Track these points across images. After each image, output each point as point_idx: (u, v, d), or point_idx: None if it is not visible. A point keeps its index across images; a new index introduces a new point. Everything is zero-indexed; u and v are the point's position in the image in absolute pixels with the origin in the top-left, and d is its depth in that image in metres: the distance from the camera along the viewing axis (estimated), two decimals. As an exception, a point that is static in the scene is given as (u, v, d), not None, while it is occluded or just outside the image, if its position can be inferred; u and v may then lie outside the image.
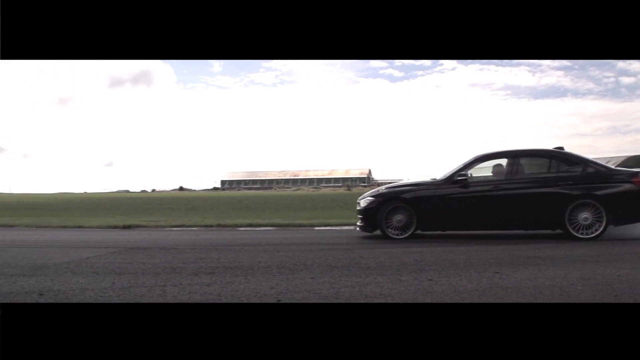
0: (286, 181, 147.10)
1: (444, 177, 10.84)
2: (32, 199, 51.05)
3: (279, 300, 5.09)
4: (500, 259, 7.46)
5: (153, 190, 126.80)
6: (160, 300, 5.22)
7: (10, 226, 15.43)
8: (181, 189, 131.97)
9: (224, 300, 5.15)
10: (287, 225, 14.54)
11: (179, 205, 33.52)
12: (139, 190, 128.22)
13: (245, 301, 5.11)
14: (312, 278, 6.23)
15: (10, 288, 5.92)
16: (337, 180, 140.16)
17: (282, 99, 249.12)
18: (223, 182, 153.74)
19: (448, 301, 4.91)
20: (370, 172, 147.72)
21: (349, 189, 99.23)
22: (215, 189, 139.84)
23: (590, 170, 10.35)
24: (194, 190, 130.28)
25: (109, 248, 9.42)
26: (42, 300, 5.31)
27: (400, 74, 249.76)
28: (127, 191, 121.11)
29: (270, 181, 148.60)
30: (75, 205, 36.02)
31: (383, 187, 11.64)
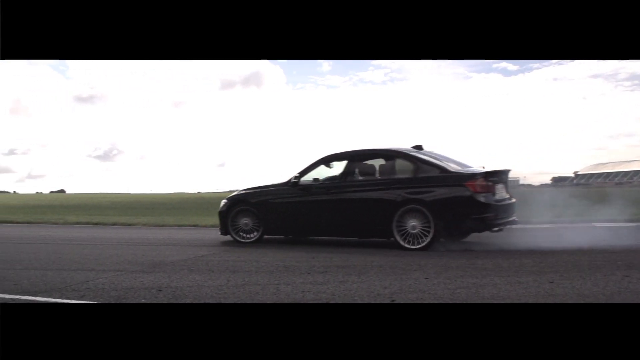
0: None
1: (286, 181, 10.37)
2: (149, 198, 53.46)
3: (393, 301, 5.08)
4: (630, 262, 7.07)
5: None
6: (274, 298, 5.32)
7: (130, 225, 16.20)
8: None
9: (337, 300, 5.19)
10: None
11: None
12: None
13: (359, 301, 5.13)
14: (426, 278, 6.18)
15: (131, 284, 6.23)
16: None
17: (392, 96, 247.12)
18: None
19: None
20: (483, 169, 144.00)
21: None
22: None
23: (426, 172, 9.17)
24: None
25: (223, 246, 9.71)
26: (160, 296, 5.56)
27: (515, 67, 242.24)
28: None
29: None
30: (189, 204, 37.35)
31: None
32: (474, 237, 9.52)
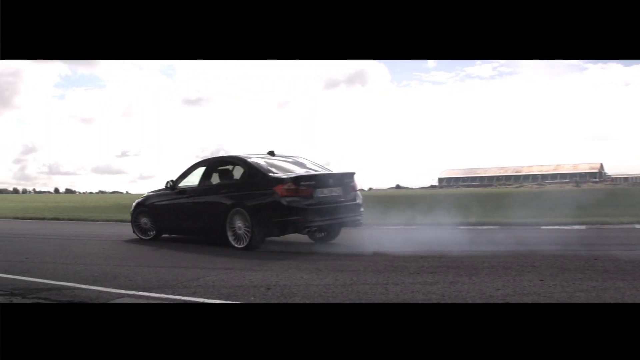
0: (507, 178, 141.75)
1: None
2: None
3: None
4: None
5: (370, 189, 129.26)
6: (383, 299, 5.32)
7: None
8: (398, 187, 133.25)
9: (447, 301, 5.13)
10: (510, 224, 13.99)
11: (396, 203, 33.85)
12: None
13: (470, 302, 5.04)
14: (541, 280, 5.99)
15: (240, 282, 6.40)
16: (563, 176, 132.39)
17: (501, 91, 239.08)
18: (440, 180, 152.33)
19: None
20: (602, 166, 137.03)
21: (577, 186, 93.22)
22: (432, 186, 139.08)
23: (253, 177, 10.10)
24: (411, 188, 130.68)
25: (328, 245, 9.79)
26: (269, 294, 5.67)
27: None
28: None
29: (490, 178, 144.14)
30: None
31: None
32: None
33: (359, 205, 10.35)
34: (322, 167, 11.00)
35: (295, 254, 8.71)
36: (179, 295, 5.76)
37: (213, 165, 11.20)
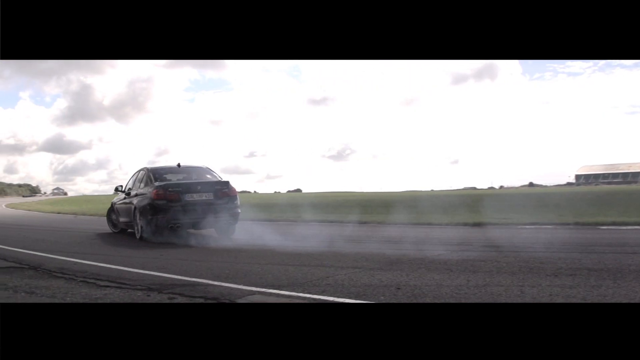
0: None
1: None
2: (382, 197, 54.52)
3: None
4: None
5: (501, 187, 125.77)
6: (519, 301, 5.17)
7: (364, 222, 16.68)
8: (531, 184, 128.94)
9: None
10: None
11: (529, 201, 32.83)
12: (486, 187, 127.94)
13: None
14: (699, 286, 5.61)
15: (369, 281, 6.43)
16: None
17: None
18: (578, 177, 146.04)
19: None
20: None
21: None
22: (569, 184, 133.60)
23: (148, 183, 13.14)
24: (545, 185, 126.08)
25: (460, 245, 9.64)
26: (399, 294, 5.65)
27: None
28: (474, 188, 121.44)
29: (635, 174, 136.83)
30: (423, 202, 37.54)
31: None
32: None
33: (232, 208, 12.77)
34: (217, 176, 13.75)
35: (424, 255, 8.62)
36: (309, 293, 5.84)
37: (138, 174, 14.33)
